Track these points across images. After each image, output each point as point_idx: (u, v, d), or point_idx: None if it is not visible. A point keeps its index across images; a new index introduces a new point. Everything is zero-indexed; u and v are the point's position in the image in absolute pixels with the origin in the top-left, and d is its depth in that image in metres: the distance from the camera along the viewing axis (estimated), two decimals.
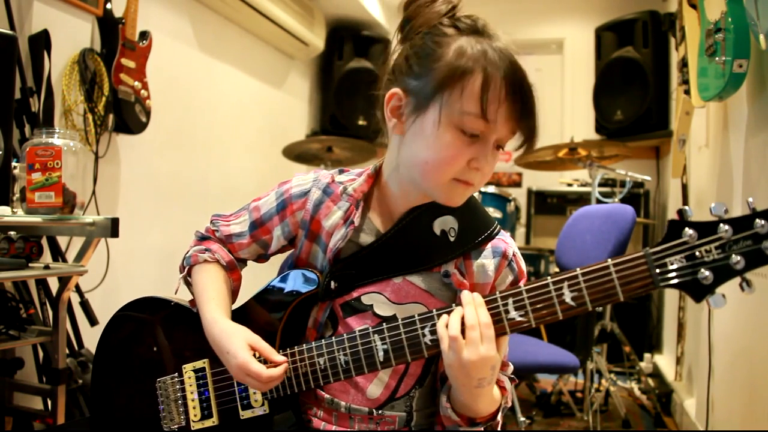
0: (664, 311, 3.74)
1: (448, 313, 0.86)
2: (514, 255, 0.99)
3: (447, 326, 0.85)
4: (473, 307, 0.84)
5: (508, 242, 1.00)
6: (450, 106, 0.87)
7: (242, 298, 1.08)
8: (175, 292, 1.11)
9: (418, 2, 0.94)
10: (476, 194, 2.96)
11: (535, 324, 0.82)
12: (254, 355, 0.93)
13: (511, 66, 0.86)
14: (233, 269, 1.09)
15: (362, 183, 1.02)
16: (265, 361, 0.93)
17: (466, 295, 0.87)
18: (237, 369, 0.92)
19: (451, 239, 0.97)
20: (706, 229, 0.73)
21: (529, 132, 0.90)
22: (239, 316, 1.04)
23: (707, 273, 0.73)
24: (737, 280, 0.72)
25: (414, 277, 0.98)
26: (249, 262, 1.15)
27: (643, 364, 3.42)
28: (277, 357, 0.94)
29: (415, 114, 0.91)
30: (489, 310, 0.84)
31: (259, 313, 1.02)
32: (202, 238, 1.12)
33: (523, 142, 0.91)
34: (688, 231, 0.74)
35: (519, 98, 0.86)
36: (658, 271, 0.75)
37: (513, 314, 0.83)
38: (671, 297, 3.46)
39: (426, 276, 0.98)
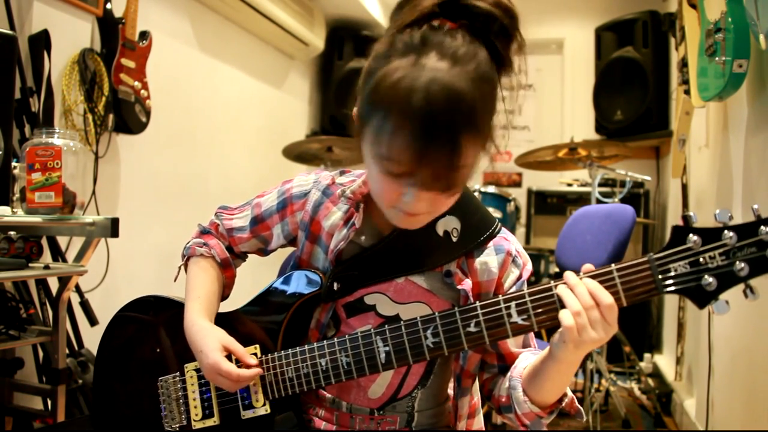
0: (664, 311, 3.75)
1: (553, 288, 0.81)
2: (517, 252, 1.00)
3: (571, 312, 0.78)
4: (584, 287, 0.78)
5: (509, 239, 1.01)
6: (368, 142, 0.83)
7: (241, 297, 1.08)
8: (175, 280, 1.13)
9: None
10: (476, 194, 2.97)
11: (537, 328, 0.82)
12: (228, 357, 0.95)
13: (428, 97, 0.75)
14: (227, 267, 1.10)
15: (361, 185, 1.02)
16: (239, 363, 0.95)
17: (570, 276, 0.80)
18: (209, 368, 0.94)
19: (454, 239, 0.97)
20: (710, 235, 0.73)
21: (450, 171, 0.79)
22: (241, 317, 1.04)
23: (711, 279, 0.72)
24: (741, 286, 0.72)
25: (416, 276, 0.98)
26: (249, 258, 1.17)
27: (643, 364, 3.42)
28: (250, 360, 0.95)
29: (358, 138, 0.88)
30: (491, 313, 0.84)
31: (261, 314, 1.03)
32: (203, 232, 1.14)
33: (443, 184, 0.81)
34: (693, 237, 0.73)
35: (429, 140, 0.75)
36: (661, 276, 0.75)
37: (515, 318, 0.82)
38: (671, 297, 3.46)
39: (428, 275, 0.98)
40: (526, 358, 0.96)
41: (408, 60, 0.78)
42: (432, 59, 0.78)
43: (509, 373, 0.95)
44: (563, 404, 0.90)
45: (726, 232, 0.72)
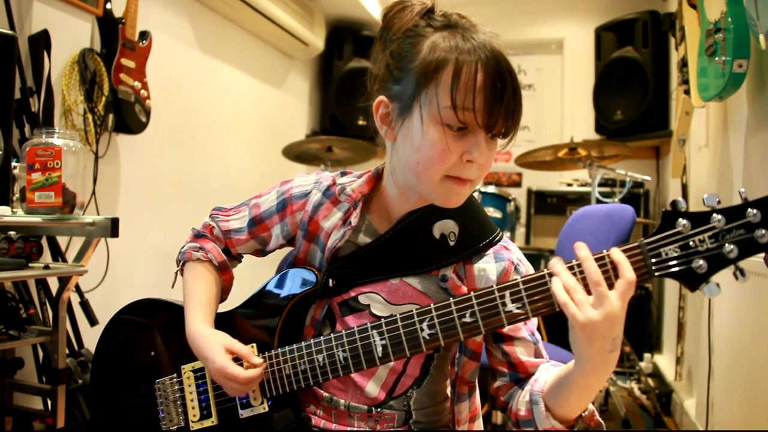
0: (664, 311, 3.74)
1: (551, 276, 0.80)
2: (519, 260, 0.99)
3: (564, 288, 0.77)
4: (592, 261, 0.77)
5: (510, 248, 1.00)
6: (430, 104, 0.86)
7: (241, 296, 1.08)
8: (172, 286, 1.12)
9: (395, 9, 0.94)
10: (476, 194, 2.97)
11: (532, 315, 0.82)
12: (234, 359, 0.94)
13: (486, 52, 0.84)
14: (225, 270, 1.10)
15: (362, 184, 1.02)
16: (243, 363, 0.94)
17: (582, 248, 0.79)
18: (216, 373, 0.94)
19: (451, 243, 0.97)
20: (699, 219, 0.74)
21: (513, 115, 0.86)
22: (238, 314, 1.04)
23: (701, 262, 0.73)
24: (731, 268, 0.72)
25: (411, 278, 0.98)
26: (250, 257, 1.16)
27: (643, 364, 3.41)
28: (255, 359, 0.95)
29: (401, 118, 0.91)
30: (486, 303, 0.84)
31: (258, 311, 1.03)
32: (198, 235, 1.12)
33: (507, 127, 0.88)
34: (682, 221, 0.74)
35: (498, 82, 0.84)
36: (653, 260, 0.75)
37: (510, 306, 0.82)
38: (671, 297, 3.46)
39: (423, 278, 0.98)
40: (547, 370, 0.94)
41: (450, 30, 0.88)
42: (473, 30, 0.88)
43: (529, 387, 0.93)
44: (583, 417, 0.88)
45: (714, 215, 0.72)
